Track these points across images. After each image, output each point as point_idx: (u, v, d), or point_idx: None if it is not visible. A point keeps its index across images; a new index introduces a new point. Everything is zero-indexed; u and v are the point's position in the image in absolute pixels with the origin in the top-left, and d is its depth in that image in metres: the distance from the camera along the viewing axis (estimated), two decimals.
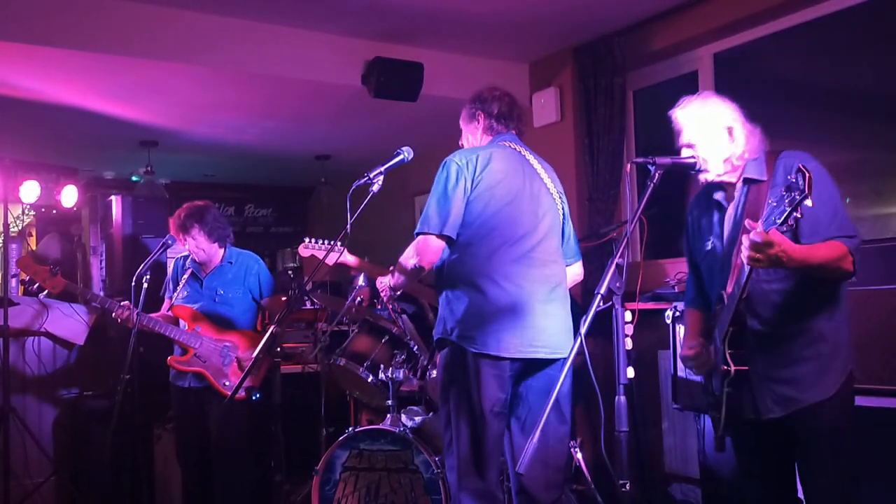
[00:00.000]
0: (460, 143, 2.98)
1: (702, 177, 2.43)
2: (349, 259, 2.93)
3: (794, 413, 2.28)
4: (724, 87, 4.43)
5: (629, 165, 2.44)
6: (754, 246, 2.03)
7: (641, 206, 2.15)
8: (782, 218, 1.97)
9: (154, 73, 4.49)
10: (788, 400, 2.28)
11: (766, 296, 2.29)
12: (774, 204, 2.04)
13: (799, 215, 1.96)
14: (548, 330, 2.68)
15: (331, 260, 2.88)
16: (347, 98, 5.01)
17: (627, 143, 4.80)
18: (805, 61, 4.15)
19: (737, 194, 2.41)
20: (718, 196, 2.46)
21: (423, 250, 2.66)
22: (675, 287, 3.93)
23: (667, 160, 2.22)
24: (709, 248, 2.48)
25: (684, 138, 2.44)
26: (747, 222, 2.10)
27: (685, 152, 2.43)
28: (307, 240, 2.98)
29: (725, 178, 2.41)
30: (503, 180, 2.68)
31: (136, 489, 4.17)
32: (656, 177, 2.19)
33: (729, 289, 2.29)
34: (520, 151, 2.80)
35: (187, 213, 3.84)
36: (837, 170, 3.99)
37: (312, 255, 2.97)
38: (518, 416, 2.70)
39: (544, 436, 2.63)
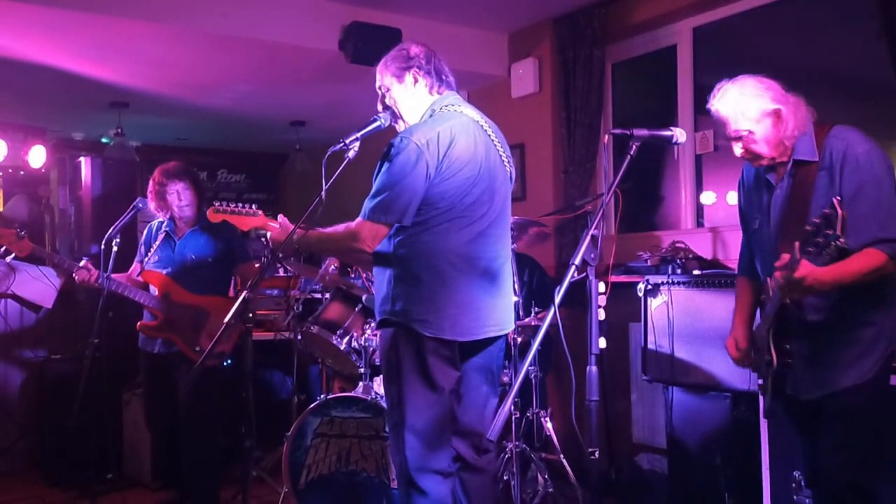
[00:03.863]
0: (386, 104, 2.68)
1: (755, 164, 2.40)
2: (272, 224, 2.67)
3: (829, 394, 2.29)
4: (704, 63, 4.44)
5: (607, 137, 2.43)
6: (786, 287, 2.07)
7: (618, 178, 2.14)
8: (815, 252, 1.98)
9: (125, 32, 4.38)
10: (826, 382, 2.29)
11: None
12: (810, 229, 2.00)
13: (833, 251, 1.96)
14: (497, 307, 2.63)
15: (245, 224, 2.77)
16: (324, 63, 4.93)
17: (605, 117, 4.80)
18: (785, 38, 4.16)
19: (786, 175, 2.37)
20: (769, 175, 2.43)
21: (372, 238, 2.46)
22: (648, 261, 3.97)
23: (644, 132, 2.20)
24: (756, 226, 2.48)
25: (731, 130, 2.37)
26: (782, 257, 2.11)
27: (735, 146, 2.38)
28: (216, 203, 2.84)
29: (777, 160, 2.37)
30: (469, 161, 2.50)
31: (104, 454, 4.15)
32: (634, 149, 2.17)
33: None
34: (475, 120, 2.62)
35: (181, 165, 3.89)
36: None
37: (224, 220, 2.84)
38: (456, 392, 2.63)
39: (479, 406, 2.68)
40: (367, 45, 4.55)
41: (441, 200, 2.48)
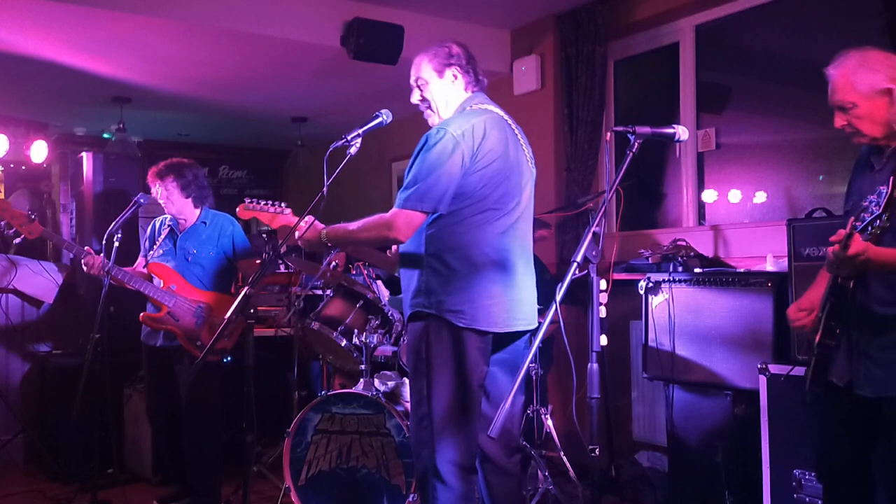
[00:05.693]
0: (420, 98, 2.76)
1: (855, 140, 2.29)
2: (294, 221, 2.72)
3: (885, 398, 2.20)
4: (706, 60, 4.43)
5: (609, 134, 2.39)
6: (836, 262, 1.99)
7: (620, 175, 2.13)
8: (861, 227, 1.93)
9: (127, 27, 4.39)
10: (882, 384, 2.20)
11: (885, 276, 2.18)
12: (865, 205, 1.95)
13: (876, 230, 1.89)
14: (525, 302, 2.66)
15: (274, 222, 2.78)
16: (326, 59, 4.94)
17: (607, 114, 4.80)
18: (787, 35, 4.16)
19: (886, 159, 2.25)
20: (874, 158, 2.32)
21: (407, 226, 2.48)
22: (649, 259, 3.96)
23: (647, 129, 2.20)
24: (849, 208, 2.39)
25: (836, 98, 2.26)
26: (838, 232, 2.01)
27: (837, 115, 2.27)
28: (247, 200, 2.87)
29: (882, 142, 2.26)
30: (500, 155, 2.56)
31: (105, 448, 4.15)
32: (636, 146, 2.16)
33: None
34: (503, 117, 2.69)
35: (167, 164, 3.88)
36: (817, 146, 4.04)
37: (254, 217, 2.88)
38: (483, 388, 2.63)
39: (510, 405, 2.66)
40: (370, 41, 4.55)
41: (474, 191, 2.52)
